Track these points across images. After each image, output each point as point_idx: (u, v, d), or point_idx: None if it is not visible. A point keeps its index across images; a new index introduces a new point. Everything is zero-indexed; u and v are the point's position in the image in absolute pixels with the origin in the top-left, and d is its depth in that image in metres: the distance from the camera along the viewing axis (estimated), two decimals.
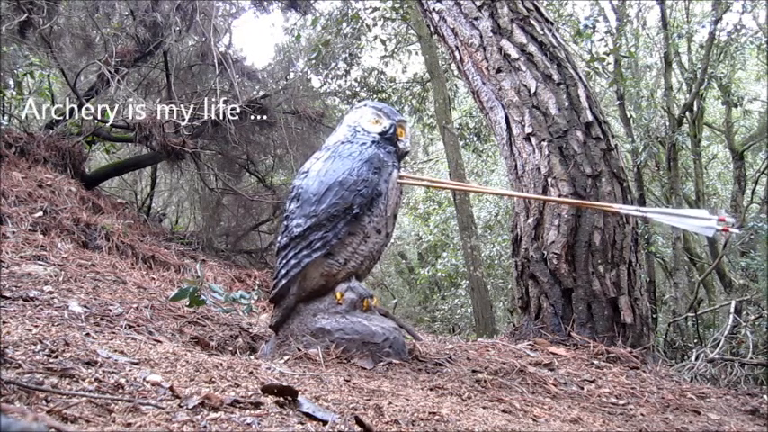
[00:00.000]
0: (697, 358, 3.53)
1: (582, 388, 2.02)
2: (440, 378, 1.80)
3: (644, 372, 2.49)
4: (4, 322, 1.52)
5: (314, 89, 7.67)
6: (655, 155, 7.98)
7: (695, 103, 8.37)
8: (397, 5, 8.02)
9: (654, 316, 6.78)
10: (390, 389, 1.49)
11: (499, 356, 2.34)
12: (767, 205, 8.25)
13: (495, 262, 9.40)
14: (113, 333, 1.74)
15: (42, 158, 4.63)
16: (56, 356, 1.24)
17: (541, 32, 3.21)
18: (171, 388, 1.14)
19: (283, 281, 1.95)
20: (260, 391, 1.21)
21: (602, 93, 8.34)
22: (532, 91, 3.11)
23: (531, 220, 3.06)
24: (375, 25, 8.43)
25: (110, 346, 1.47)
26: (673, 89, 8.55)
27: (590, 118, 3.06)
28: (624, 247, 2.95)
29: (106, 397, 1.03)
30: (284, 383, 1.29)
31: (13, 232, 3.18)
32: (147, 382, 1.16)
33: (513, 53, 3.17)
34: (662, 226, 7.66)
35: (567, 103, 3.07)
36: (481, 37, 3.27)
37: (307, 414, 1.12)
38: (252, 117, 5.51)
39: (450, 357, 2.12)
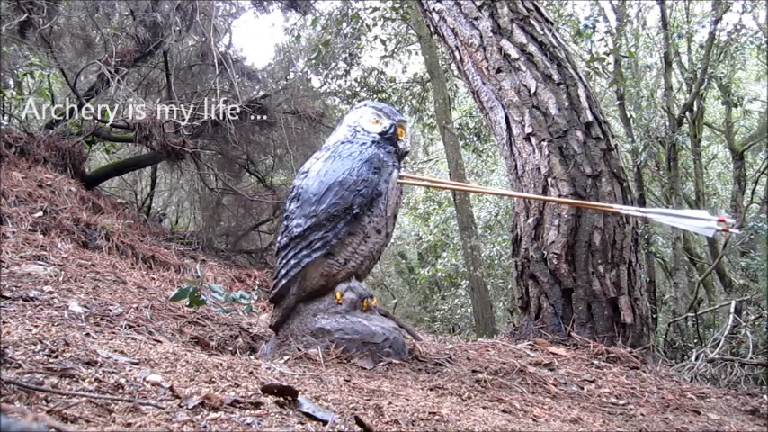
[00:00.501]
0: (697, 358, 3.53)
1: (582, 388, 2.02)
2: (440, 378, 1.80)
3: (644, 372, 2.49)
4: (4, 322, 1.52)
5: (314, 89, 7.67)
6: (655, 155, 7.98)
7: (695, 103, 8.37)
8: (397, 5, 8.02)
9: (654, 316, 6.78)
10: (390, 389, 1.49)
11: (499, 356, 2.34)
12: (767, 205, 8.25)
13: (495, 262, 9.40)
14: (113, 333, 1.74)
15: (42, 158, 4.63)
16: (56, 356, 1.24)
17: (541, 32, 3.21)
18: (171, 388, 1.14)
19: (283, 281, 1.95)
20: (260, 391, 1.21)
21: (602, 93, 8.33)
22: (532, 91, 3.11)
23: (531, 220, 3.06)
24: (375, 25, 8.43)
25: (110, 346, 1.47)
26: (673, 89, 8.54)
27: (590, 118, 3.06)
28: (624, 247, 2.95)
29: (106, 397, 1.03)
30: (284, 383, 1.29)
31: (13, 232, 3.18)
32: (147, 382, 1.16)
33: (513, 53, 3.17)
34: (662, 226, 7.66)
35: (567, 103, 3.07)
36: (481, 37, 3.27)
37: (307, 414, 1.12)
38: (252, 117, 5.51)
39: (450, 357, 2.12)
